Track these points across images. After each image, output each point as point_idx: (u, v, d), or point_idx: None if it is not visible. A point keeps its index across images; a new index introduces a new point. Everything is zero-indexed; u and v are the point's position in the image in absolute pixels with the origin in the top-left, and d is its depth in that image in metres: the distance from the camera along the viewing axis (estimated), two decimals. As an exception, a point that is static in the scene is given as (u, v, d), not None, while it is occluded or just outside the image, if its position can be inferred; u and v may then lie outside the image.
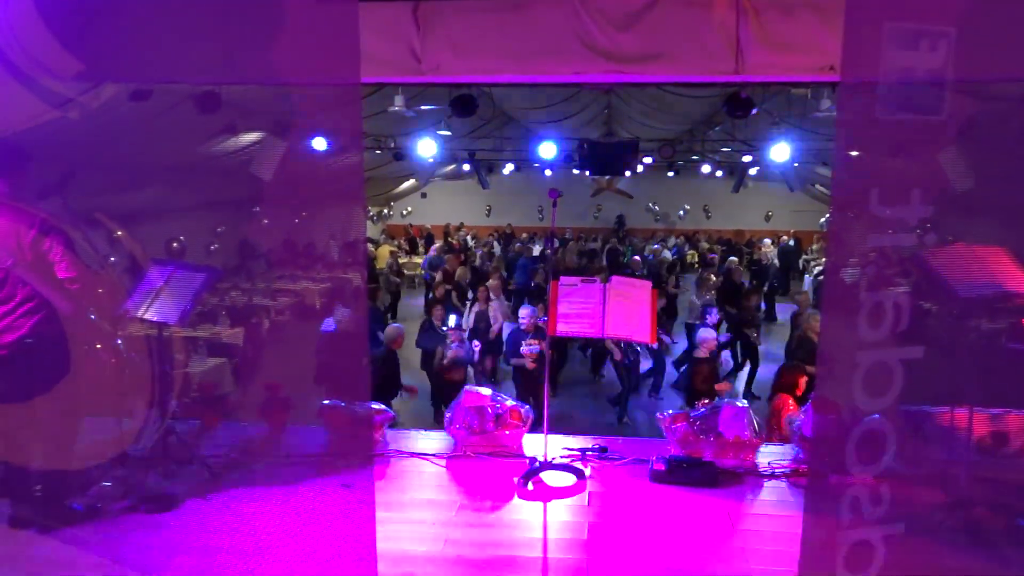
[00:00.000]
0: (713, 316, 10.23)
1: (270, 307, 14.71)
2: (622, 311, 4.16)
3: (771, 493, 4.18)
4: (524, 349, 8.33)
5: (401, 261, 21.81)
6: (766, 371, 11.34)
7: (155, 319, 3.99)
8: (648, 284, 4.25)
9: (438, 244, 24.36)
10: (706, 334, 8.70)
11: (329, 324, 9.02)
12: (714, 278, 12.86)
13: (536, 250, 21.31)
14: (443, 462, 4.59)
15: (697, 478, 4.24)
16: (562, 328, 4.20)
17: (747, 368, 11.09)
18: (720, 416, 4.66)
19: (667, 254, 20.49)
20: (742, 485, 4.27)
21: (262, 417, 5.08)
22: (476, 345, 8.83)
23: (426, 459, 4.62)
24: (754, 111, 10.29)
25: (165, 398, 4.30)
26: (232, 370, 10.55)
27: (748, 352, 11.18)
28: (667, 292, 13.54)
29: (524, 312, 8.68)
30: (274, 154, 10.89)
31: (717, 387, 8.06)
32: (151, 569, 3.37)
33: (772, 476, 4.38)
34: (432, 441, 4.92)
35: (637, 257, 17.53)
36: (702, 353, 8.53)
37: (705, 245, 24.01)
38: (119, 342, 4.72)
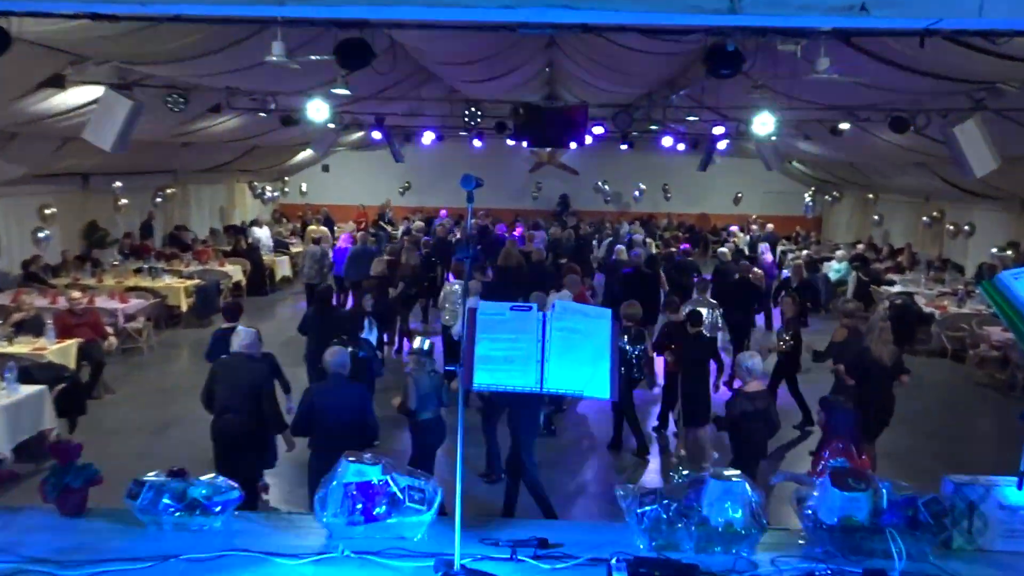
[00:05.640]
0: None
1: (118, 311, 13.53)
2: (570, 354, 3.37)
3: (782, 614, 3.43)
4: None
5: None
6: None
7: None
8: (608, 313, 3.46)
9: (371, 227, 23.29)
10: (752, 362, 7.31)
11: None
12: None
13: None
14: (309, 567, 3.71)
15: (676, 593, 3.46)
16: (483, 379, 3.39)
17: None
18: (704, 494, 3.91)
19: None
20: (739, 601, 3.51)
21: (44, 496, 4.10)
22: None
23: (282, 560, 3.73)
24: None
25: None
26: (56, 400, 9.40)
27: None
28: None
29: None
30: (117, 116, 9.84)
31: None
32: None
33: (780, 583, 3.64)
34: (297, 532, 4.03)
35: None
36: (753, 387, 7.27)
37: (667, 232, 23.55)
38: None
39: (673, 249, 19.12)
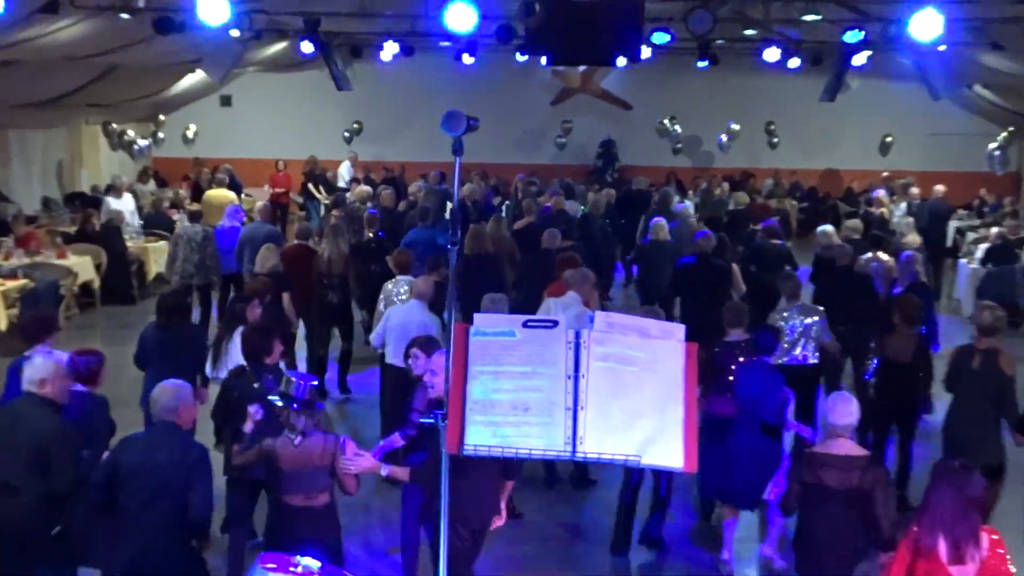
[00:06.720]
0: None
1: None
2: (621, 398, 3.38)
3: None
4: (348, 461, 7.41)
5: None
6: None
7: None
8: (680, 332, 3.47)
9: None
10: (836, 408, 7.26)
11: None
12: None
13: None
14: None
15: None
16: (480, 438, 3.39)
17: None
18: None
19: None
20: None
21: None
22: (256, 412, 7.81)
23: None
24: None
25: None
26: None
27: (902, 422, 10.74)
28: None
29: (430, 360, 7.83)
30: None
31: None
32: None
33: None
34: None
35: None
36: (832, 449, 7.17)
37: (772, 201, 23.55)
38: None
39: (756, 228, 18.63)
